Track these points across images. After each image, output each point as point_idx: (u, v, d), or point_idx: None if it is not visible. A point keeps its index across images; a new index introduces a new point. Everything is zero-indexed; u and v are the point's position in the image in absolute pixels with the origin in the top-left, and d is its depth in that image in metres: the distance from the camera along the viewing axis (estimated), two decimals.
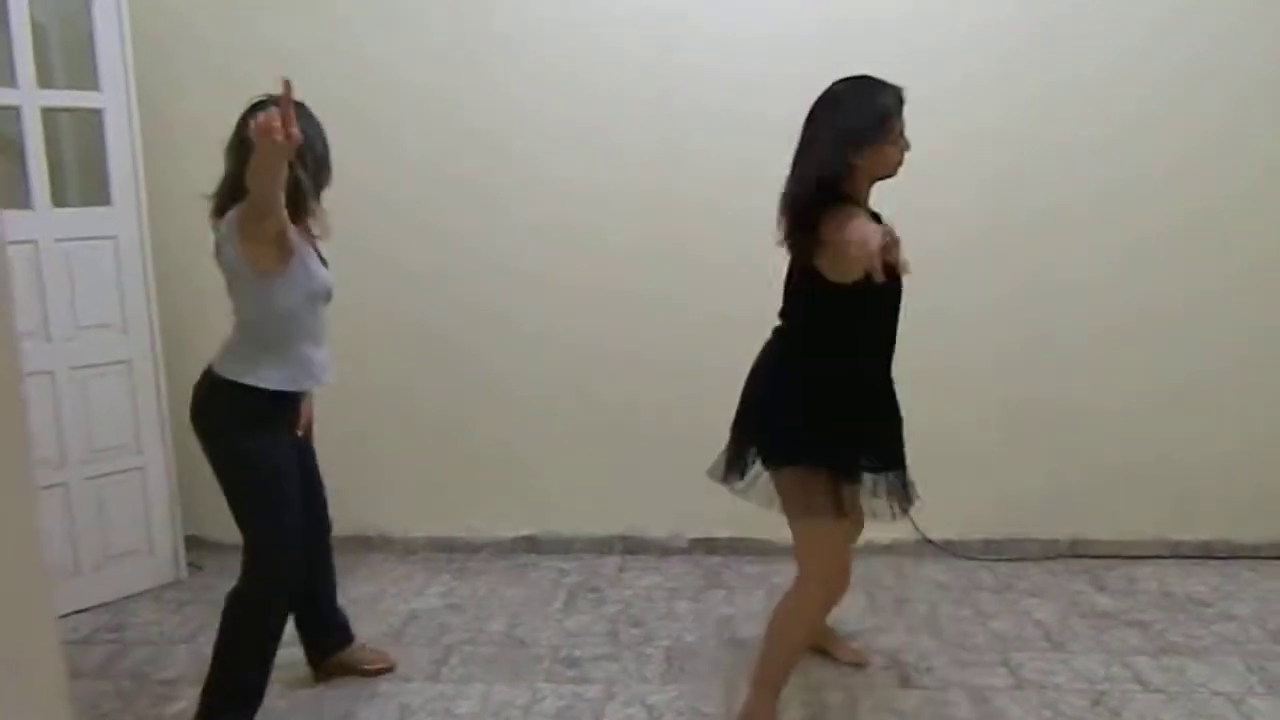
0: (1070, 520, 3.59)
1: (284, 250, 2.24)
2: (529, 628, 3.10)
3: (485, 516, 3.71)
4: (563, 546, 3.69)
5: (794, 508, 2.32)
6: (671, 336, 3.52)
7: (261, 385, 2.30)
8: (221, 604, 2.41)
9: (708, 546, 3.67)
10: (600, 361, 3.57)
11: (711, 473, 2.54)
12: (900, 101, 2.22)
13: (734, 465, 2.47)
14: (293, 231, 2.25)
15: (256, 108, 2.23)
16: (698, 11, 3.34)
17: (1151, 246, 3.41)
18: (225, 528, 2.40)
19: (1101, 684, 2.70)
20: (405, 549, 3.70)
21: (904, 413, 2.46)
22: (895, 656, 2.88)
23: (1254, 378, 3.48)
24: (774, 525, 2.57)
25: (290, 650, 2.85)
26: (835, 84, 2.25)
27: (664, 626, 3.09)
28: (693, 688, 2.72)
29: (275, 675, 2.47)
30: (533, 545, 3.70)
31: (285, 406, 2.39)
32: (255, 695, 2.42)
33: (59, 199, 3.12)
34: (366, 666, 2.78)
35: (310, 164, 2.28)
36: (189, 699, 2.53)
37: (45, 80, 3.06)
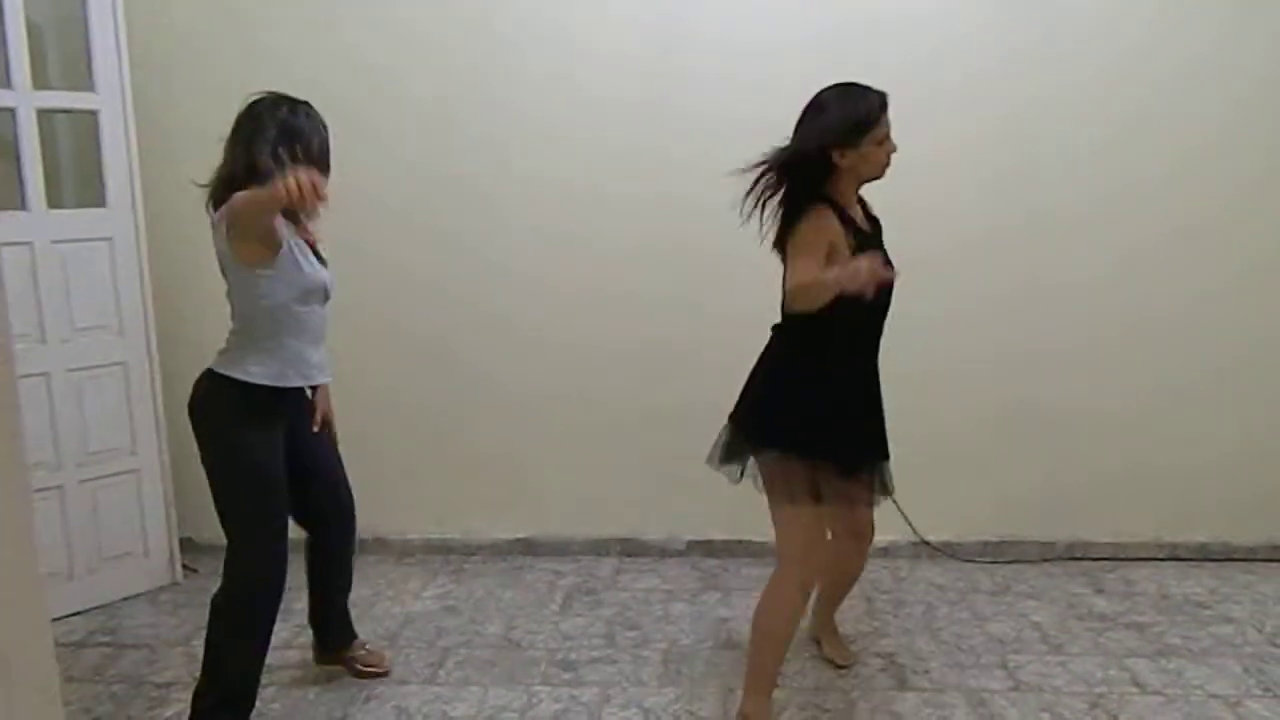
0: (1068, 522, 3.59)
1: (269, 245, 2.25)
2: (525, 630, 3.09)
3: (482, 519, 3.71)
4: (559, 549, 3.68)
5: (775, 493, 2.39)
6: (670, 339, 3.52)
7: (246, 379, 2.30)
8: None
9: (705, 549, 3.66)
10: (598, 364, 3.57)
11: (709, 459, 2.57)
12: (883, 106, 2.28)
13: (727, 451, 2.51)
14: (282, 226, 2.27)
15: (271, 104, 2.31)
16: (696, 14, 3.35)
17: (1150, 248, 3.41)
18: (220, 530, 2.39)
19: (1099, 686, 2.70)
20: (402, 551, 3.69)
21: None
22: (893, 659, 2.87)
23: (1251, 380, 3.48)
24: (771, 528, 2.56)
25: (283, 653, 2.85)
26: (822, 90, 2.32)
27: (661, 629, 3.09)
28: (689, 690, 2.71)
29: (270, 678, 2.46)
30: (529, 547, 3.70)
31: (274, 403, 2.37)
32: (245, 698, 2.41)
33: (54, 200, 3.11)
34: (359, 667, 2.77)
35: (303, 163, 2.28)
36: (184, 703, 2.51)
37: (41, 81, 3.06)
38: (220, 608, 2.38)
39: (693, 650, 2.95)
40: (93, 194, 3.20)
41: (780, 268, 2.36)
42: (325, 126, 2.40)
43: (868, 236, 2.36)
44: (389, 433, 3.63)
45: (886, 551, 3.54)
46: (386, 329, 3.56)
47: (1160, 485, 3.55)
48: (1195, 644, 2.94)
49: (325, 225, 2.47)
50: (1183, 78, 3.33)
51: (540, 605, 3.27)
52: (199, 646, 2.43)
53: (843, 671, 2.80)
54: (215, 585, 2.39)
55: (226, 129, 2.32)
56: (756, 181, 2.30)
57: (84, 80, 3.12)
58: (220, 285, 2.36)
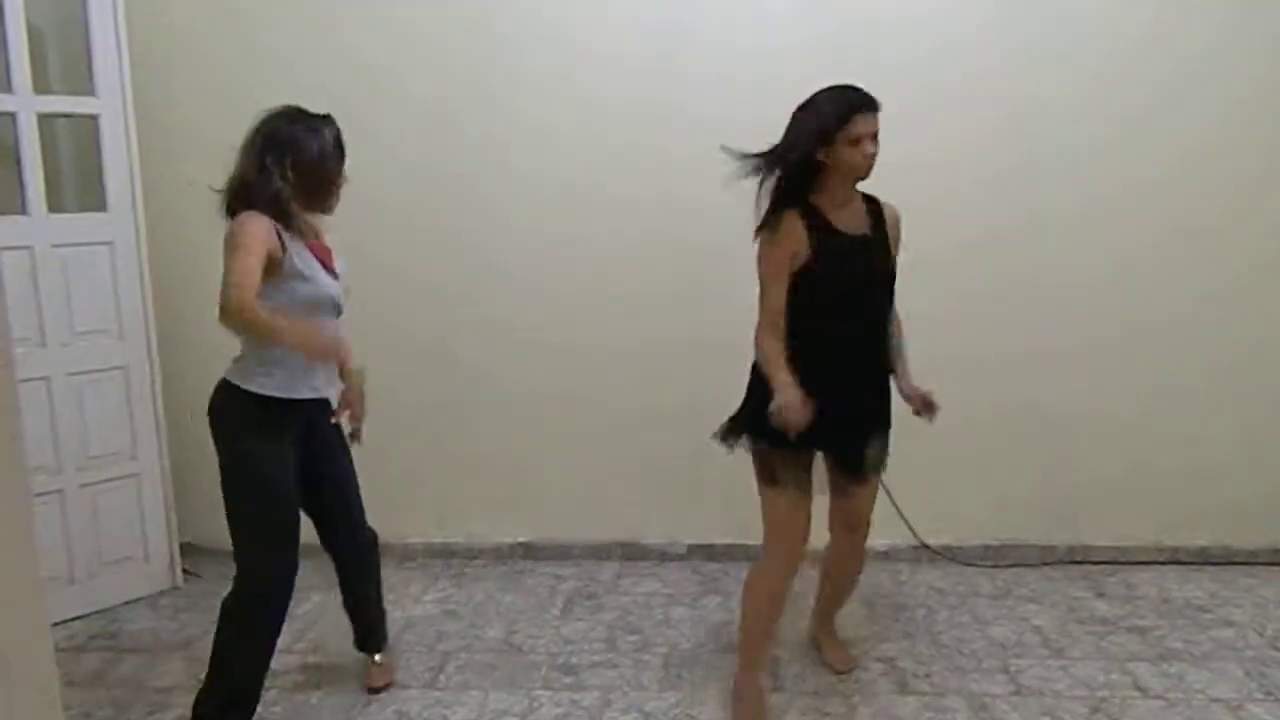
0: (1068, 526, 3.58)
1: (271, 259, 2.26)
2: (526, 634, 3.08)
3: (483, 523, 3.70)
4: (560, 553, 3.68)
5: (759, 478, 2.48)
6: (670, 343, 3.51)
7: (253, 390, 2.32)
8: (217, 611, 2.40)
9: (705, 553, 3.66)
10: (597, 364, 3.56)
11: (715, 434, 2.59)
12: (860, 107, 2.29)
13: (728, 431, 2.55)
14: (290, 241, 2.28)
15: (272, 115, 2.32)
16: (696, 15, 3.34)
17: (1150, 249, 3.41)
18: (221, 534, 2.39)
19: (1101, 690, 2.70)
20: (402, 555, 3.68)
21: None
22: (893, 663, 2.87)
23: (1252, 382, 3.48)
24: None
25: (285, 657, 2.85)
26: (816, 92, 2.34)
27: (661, 633, 3.08)
28: (690, 694, 2.71)
29: (273, 682, 2.46)
30: (530, 551, 3.69)
31: (284, 414, 2.37)
32: (247, 701, 2.41)
33: (55, 205, 3.11)
34: (367, 683, 2.76)
35: (293, 173, 2.29)
36: (184, 707, 2.51)
37: (41, 86, 3.05)
38: (229, 609, 2.39)
39: (693, 654, 2.94)
40: (93, 198, 3.20)
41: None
42: (336, 138, 2.38)
43: (848, 240, 2.36)
44: (389, 436, 3.60)
45: (887, 555, 3.54)
46: (386, 329, 3.55)
47: (1161, 488, 3.54)
48: (1196, 648, 2.94)
49: (325, 225, 2.47)
50: (1182, 78, 3.33)
51: (541, 609, 3.27)
52: (199, 651, 2.44)
53: (843, 676, 2.79)
54: (216, 589, 2.40)
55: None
56: (748, 173, 2.36)
57: (84, 83, 3.12)
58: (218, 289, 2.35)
